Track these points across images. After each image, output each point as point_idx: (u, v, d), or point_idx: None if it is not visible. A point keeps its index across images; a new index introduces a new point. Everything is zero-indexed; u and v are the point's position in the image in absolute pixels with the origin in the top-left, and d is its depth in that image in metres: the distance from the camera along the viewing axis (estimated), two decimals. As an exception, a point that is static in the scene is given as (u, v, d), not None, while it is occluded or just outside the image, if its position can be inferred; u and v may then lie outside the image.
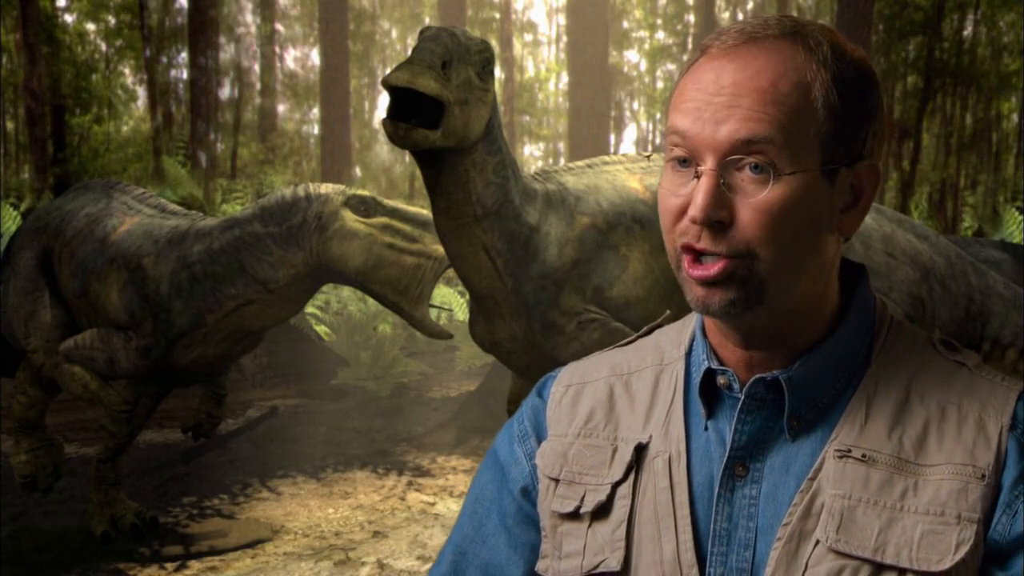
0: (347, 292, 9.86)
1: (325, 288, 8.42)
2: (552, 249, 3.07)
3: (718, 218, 0.83)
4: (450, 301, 9.70)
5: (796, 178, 0.83)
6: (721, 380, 0.92)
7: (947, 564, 0.80)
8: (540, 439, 1.02)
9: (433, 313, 8.92)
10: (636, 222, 3.17)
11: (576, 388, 1.03)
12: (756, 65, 0.84)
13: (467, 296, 4.14)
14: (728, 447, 0.90)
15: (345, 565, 3.93)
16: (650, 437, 0.95)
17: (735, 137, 0.83)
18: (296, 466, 5.76)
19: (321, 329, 8.81)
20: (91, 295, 4.00)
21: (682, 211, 0.86)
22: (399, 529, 4.52)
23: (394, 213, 3.83)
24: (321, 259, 3.73)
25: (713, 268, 0.84)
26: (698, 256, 0.85)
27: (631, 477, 0.94)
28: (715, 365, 0.92)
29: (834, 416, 0.89)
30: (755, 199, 0.83)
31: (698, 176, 0.84)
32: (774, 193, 0.83)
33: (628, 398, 1.00)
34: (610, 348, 1.08)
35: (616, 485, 0.94)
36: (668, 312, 1.11)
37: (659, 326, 1.06)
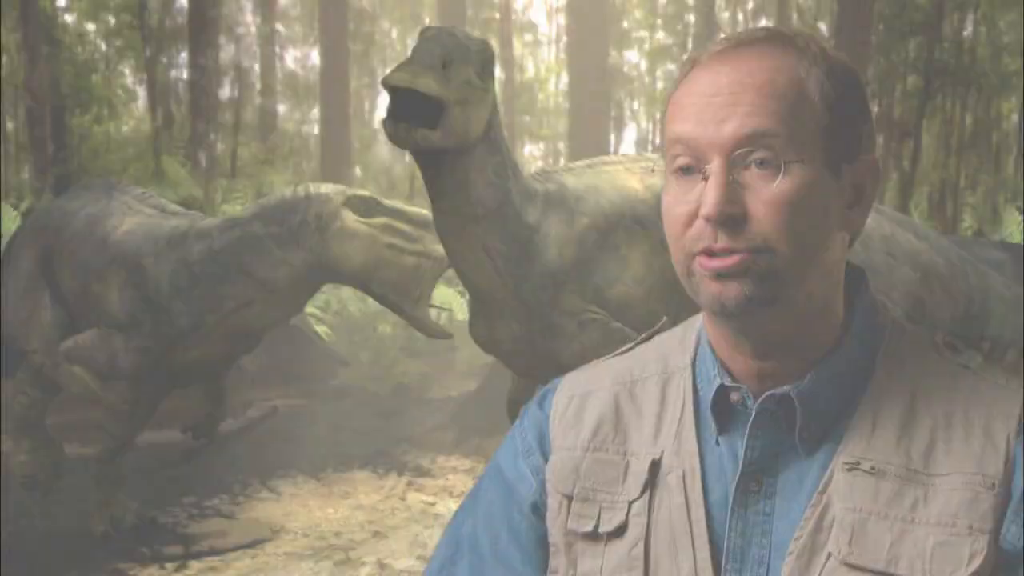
0: (347, 292, 9.84)
1: (325, 288, 8.40)
2: (552, 249, 3.07)
3: (731, 213, 0.82)
4: (450, 301, 9.69)
5: (803, 169, 0.83)
6: (735, 397, 0.90)
7: None
8: (545, 453, 1.00)
9: (433, 313, 8.91)
10: (636, 222, 3.17)
11: (580, 399, 1.01)
12: (750, 65, 0.84)
13: (467, 296, 4.14)
14: (740, 462, 0.88)
15: (345, 565, 3.93)
16: (662, 452, 0.93)
17: (740, 132, 0.82)
18: (296, 466, 5.76)
19: (321, 329, 8.80)
20: (91, 295, 4.00)
21: (691, 217, 0.84)
22: (399, 529, 4.52)
23: (394, 213, 3.83)
24: (321, 259, 3.73)
25: (730, 260, 0.82)
26: (712, 255, 0.84)
27: (646, 494, 0.92)
28: (728, 381, 0.90)
29: (842, 427, 0.88)
30: (766, 193, 0.82)
31: (705, 178, 0.83)
32: (784, 185, 0.82)
33: (635, 409, 0.97)
34: (609, 356, 1.05)
35: (632, 502, 0.93)
36: (665, 319, 1.09)
37: (658, 332, 1.04)
